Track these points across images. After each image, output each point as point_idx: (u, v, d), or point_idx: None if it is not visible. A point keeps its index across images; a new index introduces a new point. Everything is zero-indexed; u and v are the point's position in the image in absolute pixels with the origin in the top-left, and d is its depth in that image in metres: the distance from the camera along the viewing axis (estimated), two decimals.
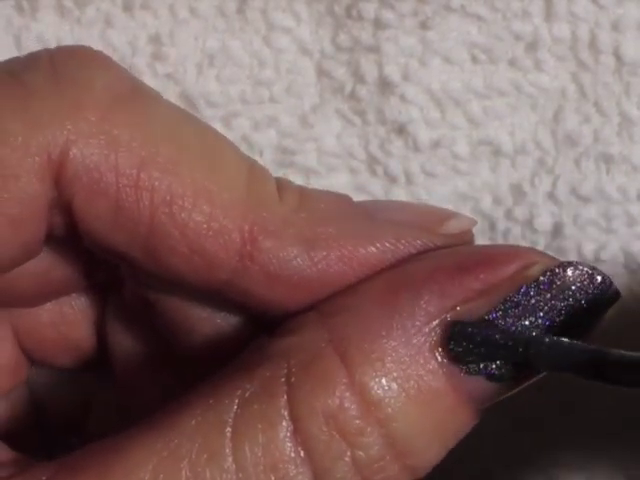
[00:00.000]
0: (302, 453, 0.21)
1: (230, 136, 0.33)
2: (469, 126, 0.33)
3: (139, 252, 0.23)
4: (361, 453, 0.21)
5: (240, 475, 0.21)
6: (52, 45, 0.32)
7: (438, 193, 0.33)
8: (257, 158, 0.33)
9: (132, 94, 0.23)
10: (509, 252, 0.23)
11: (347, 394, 0.21)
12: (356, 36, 0.32)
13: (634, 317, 0.33)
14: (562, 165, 0.33)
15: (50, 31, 0.32)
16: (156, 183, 0.22)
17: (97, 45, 0.32)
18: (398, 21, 0.32)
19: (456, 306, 0.22)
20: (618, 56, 0.32)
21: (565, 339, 0.22)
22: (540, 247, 0.33)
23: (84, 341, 0.28)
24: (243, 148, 0.33)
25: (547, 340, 0.22)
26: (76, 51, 0.24)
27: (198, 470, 0.21)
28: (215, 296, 0.24)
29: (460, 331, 0.22)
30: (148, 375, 0.27)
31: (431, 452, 0.22)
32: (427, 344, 0.22)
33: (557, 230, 0.33)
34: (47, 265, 0.25)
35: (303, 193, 0.24)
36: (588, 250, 0.33)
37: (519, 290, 0.22)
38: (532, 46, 0.32)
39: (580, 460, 0.36)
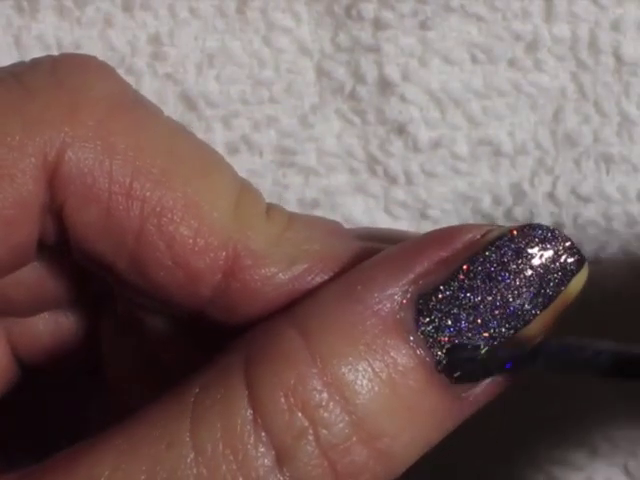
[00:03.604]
0: (263, 434, 0.20)
1: (230, 136, 0.33)
2: (469, 126, 0.33)
3: (125, 263, 0.23)
4: (325, 431, 0.21)
5: (200, 459, 0.20)
6: (52, 45, 0.32)
7: (438, 193, 0.33)
8: (257, 158, 0.33)
9: (132, 104, 0.23)
10: (465, 225, 0.23)
11: (307, 367, 0.21)
12: (356, 36, 0.32)
13: (634, 317, 0.33)
14: (562, 165, 0.33)
15: (50, 31, 0.32)
16: (147, 194, 0.22)
17: (97, 45, 0.32)
18: (398, 21, 0.32)
19: (417, 279, 0.22)
20: (618, 56, 0.32)
21: (574, 338, 0.21)
22: None
23: (78, 349, 0.28)
24: (243, 148, 0.33)
25: (556, 342, 0.21)
26: (79, 58, 0.24)
27: (158, 459, 0.20)
28: (198, 315, 0.24)
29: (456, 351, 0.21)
30: (140, 384, 0.27)
31: (404, 438, 0.21)
32: (390, 316, 0.21)
33: None
34: (40, 276, 0.25)
35: (292, 217, 0.24)
36: (588, 250, 0.33)
37: (478, 256, 0.22)
38: (532, 46, 0.32)
39: (580, 459, 0.36)
